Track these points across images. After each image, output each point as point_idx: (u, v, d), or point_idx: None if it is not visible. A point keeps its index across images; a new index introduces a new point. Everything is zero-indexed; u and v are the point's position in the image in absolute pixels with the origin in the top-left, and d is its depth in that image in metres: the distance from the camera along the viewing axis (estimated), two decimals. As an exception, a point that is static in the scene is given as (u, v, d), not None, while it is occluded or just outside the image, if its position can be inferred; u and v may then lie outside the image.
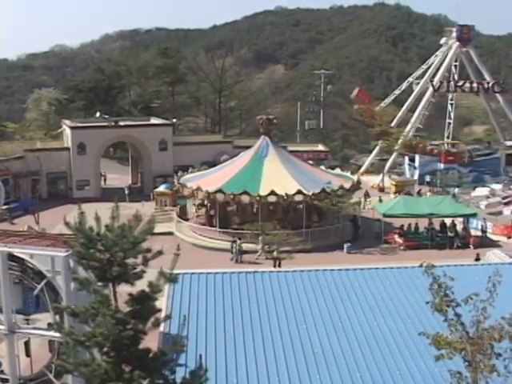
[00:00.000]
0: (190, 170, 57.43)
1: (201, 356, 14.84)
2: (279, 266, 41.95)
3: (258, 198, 48.34)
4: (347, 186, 51.51)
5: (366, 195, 61.11)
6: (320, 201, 48.74)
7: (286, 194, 47.98)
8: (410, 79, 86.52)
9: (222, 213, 51.43)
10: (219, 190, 49.09)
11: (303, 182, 49.55)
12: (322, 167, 60.09)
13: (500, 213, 55.54)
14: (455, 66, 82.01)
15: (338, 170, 59.31)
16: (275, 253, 44.01)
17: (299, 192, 48.06)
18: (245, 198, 48.88)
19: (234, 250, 45.86)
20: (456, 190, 65.86)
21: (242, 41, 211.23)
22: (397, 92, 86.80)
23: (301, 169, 52.79)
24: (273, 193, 47.92)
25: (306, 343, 18.79)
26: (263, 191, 48.22)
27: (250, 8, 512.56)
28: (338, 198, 49.69)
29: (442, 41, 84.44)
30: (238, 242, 45.80)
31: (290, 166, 51.96)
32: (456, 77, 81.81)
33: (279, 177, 50.04)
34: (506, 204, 56.28)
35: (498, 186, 65.86)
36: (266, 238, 45.14)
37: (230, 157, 58.87)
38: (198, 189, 50.30)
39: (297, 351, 18.38)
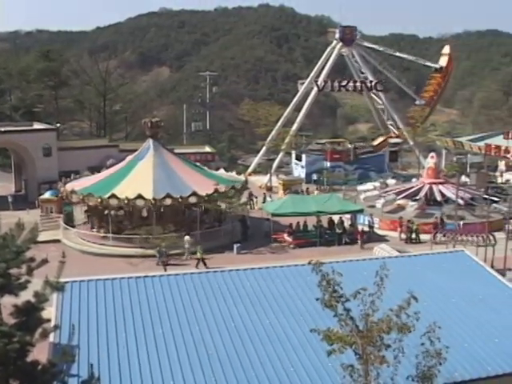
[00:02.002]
0: (78, 175, 56.59)
1: (92, 365, 14.50)
2: (204, 265, 42.51)
3: (99, 200, 48.30)
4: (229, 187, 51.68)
5: (251, 195, 61.41)
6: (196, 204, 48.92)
7: (127, 198, 47.74)
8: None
9: (104, 217, 51.37)
10: (72, 191, 49.81)
11: (160, 186, 48.66)
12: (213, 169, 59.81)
13: (374, 206, 57.07)
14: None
15: (222, 171, 59.61)
16: (199, 254, 44.13)
17: (140, 197, 47.58)
18: (92, 200, 49.10)
19: (158, 254, 45.30)
20: (359, 188, 67.05)
21: (126, 43, 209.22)
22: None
23: (172, 172, 51.49)
24: (114, 196, 47.70)
25: (199, 345, 18.71)
26: (109, 194, 48.14)
27: (133, 10, 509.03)
28: (227, 199, 49.91)
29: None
30: (163, 244, 45.30)
31: (160, 169, 51.13)
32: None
33: (140, 180, 49.50)
34: (379, 197, 57.95)
35: (392, 181, 67.63)
36: (156, 242, 44.60)
37: (117, 161, 58.03)
38: (64, 191, 50.89)
39: (191, 354, 18.27)
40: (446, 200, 55.30)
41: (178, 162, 53.91)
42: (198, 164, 58.65)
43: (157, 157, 52.28)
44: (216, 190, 49.42)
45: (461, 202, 52.97)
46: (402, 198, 57.31)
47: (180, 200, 48.40)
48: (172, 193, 47.92)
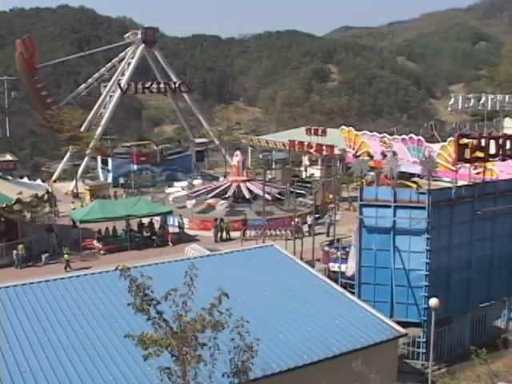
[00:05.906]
0: None
1: None
2: (69, 267, 43.33)
3: None
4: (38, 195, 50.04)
5: (55, 202, 59.43)
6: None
7: None
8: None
9: None
10: None
11: None
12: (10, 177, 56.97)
13: (184, 206, 57.56)
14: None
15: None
16: (66, 256, 43.97)
17: None
18: None
19: (15, 257, 44.34)
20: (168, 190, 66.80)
21: None
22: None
23: None
24: None
25: (11, 364, 17.88)
26: None
27: None
28: (32, 208, 48.13)
29: (128, 40, 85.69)
30: (20, 246, 44.12)
31: None
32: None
33: None
34: (190, 197, 58.52)
35: (198, 181, 68.09)
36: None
37: None
38: None
39: (2, 374, 17.36)
40: (255, 197, 56.61)
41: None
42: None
43: None
44: (18, 200, 47.53)
45: (268, 197, 54.42)
46: (212, 197, 58.04)
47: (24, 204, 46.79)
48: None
